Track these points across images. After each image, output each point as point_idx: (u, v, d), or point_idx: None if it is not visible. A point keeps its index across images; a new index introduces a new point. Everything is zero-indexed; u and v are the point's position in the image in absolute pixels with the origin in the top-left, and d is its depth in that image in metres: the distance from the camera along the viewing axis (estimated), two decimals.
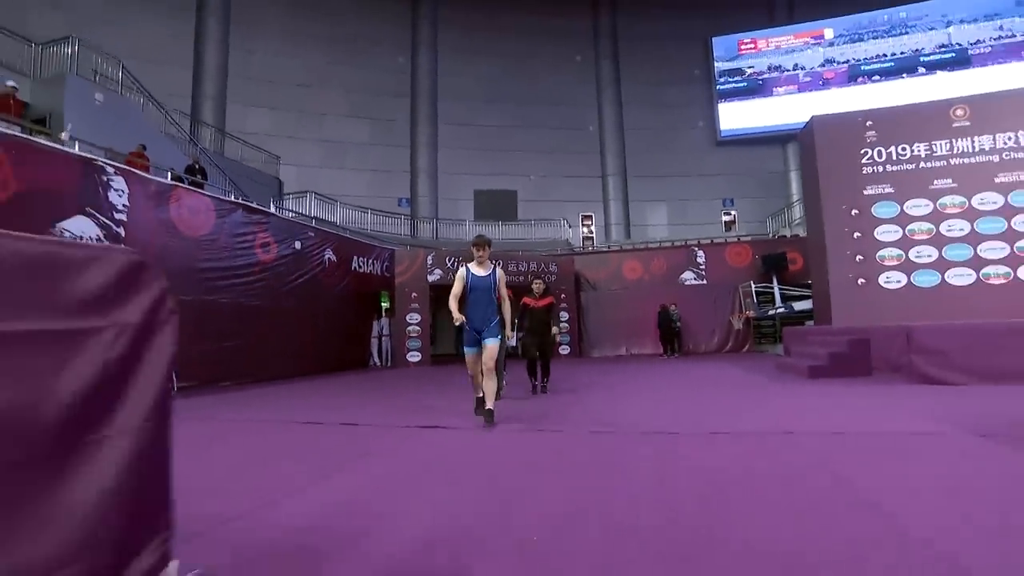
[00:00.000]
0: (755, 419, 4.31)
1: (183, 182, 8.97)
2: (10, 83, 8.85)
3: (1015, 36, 18.48)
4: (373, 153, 19.93)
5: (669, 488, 2.49)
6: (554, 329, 6.86)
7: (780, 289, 14.31)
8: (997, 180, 8.82)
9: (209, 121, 17.38)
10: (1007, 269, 8.64)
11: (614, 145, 21.82)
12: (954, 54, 19.18)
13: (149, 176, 7.83)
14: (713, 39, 22.22)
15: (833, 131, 10.13)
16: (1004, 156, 8.85)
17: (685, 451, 3.26)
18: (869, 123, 9.91)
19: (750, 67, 21.94)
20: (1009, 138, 8.87)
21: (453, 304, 4.61)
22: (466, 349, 4.73)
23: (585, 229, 19.93)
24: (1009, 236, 8.64)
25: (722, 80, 21.99)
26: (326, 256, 11.70)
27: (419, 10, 20.99)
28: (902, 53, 19.79)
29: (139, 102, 12.59)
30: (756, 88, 21.75)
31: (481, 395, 4.67)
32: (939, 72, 19.21)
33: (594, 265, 16.59)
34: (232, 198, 10.10)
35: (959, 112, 9.31)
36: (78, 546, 1.11)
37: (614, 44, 22.24)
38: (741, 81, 21.90)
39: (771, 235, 17.15)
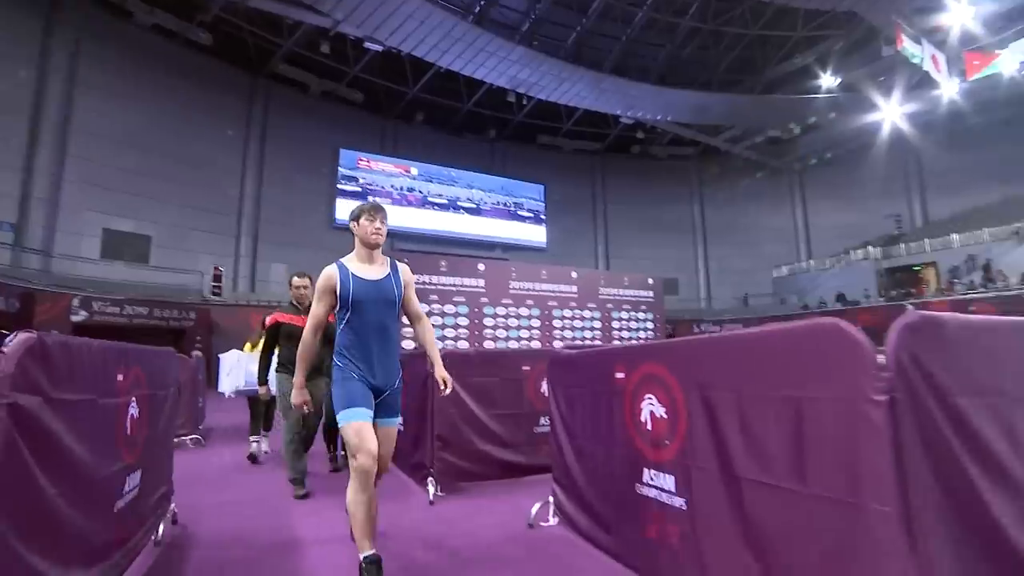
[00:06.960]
0: None
1: None
2: None
3: (500, 205, 33.47)
4: None
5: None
6: None
7: None
8: (549, 303, 18.30)
9: None
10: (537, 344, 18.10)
11: (251, 211, 26.19)
12: (475, 206, 32.77)
13: None
14: (341, 149, 29.73)
15: (416, 262, 18.56)
16: (558, 295, 18.56)
17: None
18: (443, 262, 18.77)
19: (363, 178, 30.39)
20: (556, 287, 18.68)
21: (308, 339, 2.49)
22: (351, 413, 2.33)
23: (216, 280, 23.11)
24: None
25: (343, 182, 29.60)
26: None
27: (52, 30, 20.40)
28: (449, 197, 32.15)
29: None
30: (365, 194, 30.15)
31: (369, 553, 2.30)
32: (466, 215, 32.31)
33: (226, 315, 20.83)
34: None
35: (544, 272, 18.72)
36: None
37: (263, 131, 26.95)
38: (356, 186, 30.02)
39: None
